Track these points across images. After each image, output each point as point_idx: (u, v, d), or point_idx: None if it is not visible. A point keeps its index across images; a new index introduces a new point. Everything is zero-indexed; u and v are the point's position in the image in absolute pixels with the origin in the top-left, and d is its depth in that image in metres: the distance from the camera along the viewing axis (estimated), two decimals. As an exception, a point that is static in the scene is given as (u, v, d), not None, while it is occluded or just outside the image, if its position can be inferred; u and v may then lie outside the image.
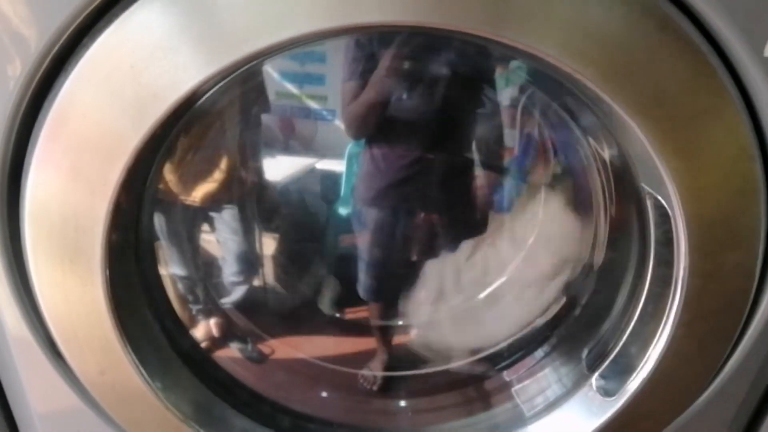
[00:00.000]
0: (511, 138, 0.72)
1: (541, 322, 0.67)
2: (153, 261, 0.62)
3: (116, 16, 0.43)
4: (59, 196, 0.46)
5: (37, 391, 0.58)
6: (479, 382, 0.68)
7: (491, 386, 0.67)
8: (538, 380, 0.63)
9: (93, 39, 0.44)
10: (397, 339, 0.85)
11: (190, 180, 0.67)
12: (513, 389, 0.64)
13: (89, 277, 0.48)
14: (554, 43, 0.42)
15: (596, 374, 0.56)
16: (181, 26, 0.42)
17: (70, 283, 0.48)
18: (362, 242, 0.83)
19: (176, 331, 0.62)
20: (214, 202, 0.70)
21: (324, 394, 0.73)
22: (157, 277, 0.62)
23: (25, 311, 0.53)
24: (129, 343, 0.51)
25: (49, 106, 0.45)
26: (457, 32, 0.44)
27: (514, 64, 0.67)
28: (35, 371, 0.56)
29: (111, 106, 0.44)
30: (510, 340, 0.68)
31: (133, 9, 0.43)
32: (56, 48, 0.45)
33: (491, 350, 0.69)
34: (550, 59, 0.43)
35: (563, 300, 0.67)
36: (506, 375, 0.66)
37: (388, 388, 0.79)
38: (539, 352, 0.66)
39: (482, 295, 0.73)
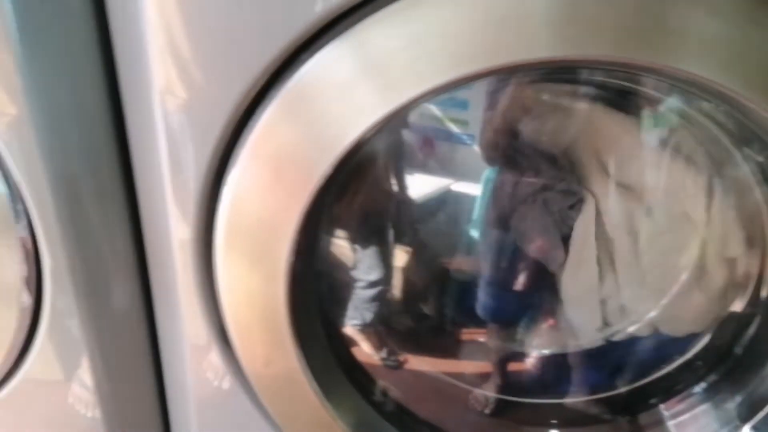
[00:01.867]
0: (655, 176, 0.72)
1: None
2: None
3: (317, 51, 0.47)
4: (259, 199, 0.50)
5: (198, 374, 0.62)
6: (633, 415, 0.67)
7: (646, 420, 0.66)
8: (696, 417, 0.61)
9: (293, 71, 0.48)
10: (515, 365, 0.85)
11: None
12: (669, 423, 0.63)
13: (273, 274, 0.51)
14: (717, 67, 0.42)
15: (750, 424, 0.55)
16: (363, 67, 0.46)
17: (255, 278, 0.52)
18: (486, 262, 0.84)
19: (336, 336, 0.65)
20: (361, 213, 0.73)
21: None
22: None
23: (204, 297, 0.57)
24: (298, 339, 0.54)
25: (257, 119, 0.49)
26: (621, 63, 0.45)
27: (665, 106, 0.67)
28: (201, 354, 0.60)
29: (306, 133, 0.48)
30: (665, 371, 0.67)
31: (329, 49, 0.47)
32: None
33: (645, 381, 0.68)
34: (714, 85, 0.43)
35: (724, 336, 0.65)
36: (663, 409, 0.65)
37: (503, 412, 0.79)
38: (697, 388, 0.65)
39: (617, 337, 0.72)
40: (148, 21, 0.47)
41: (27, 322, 0.64)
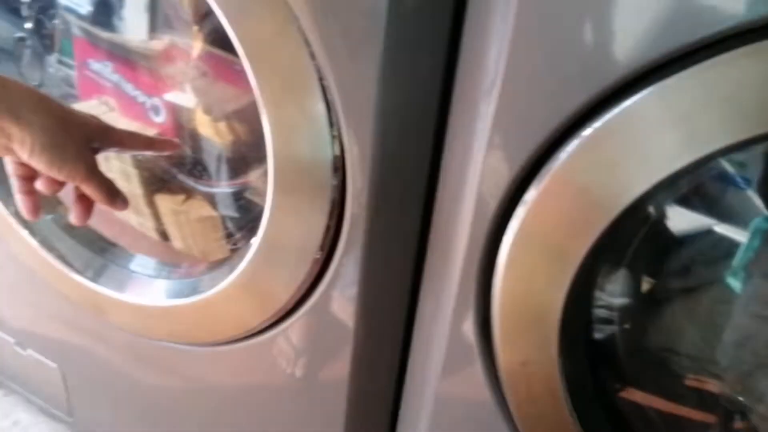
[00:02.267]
0: None
1: None
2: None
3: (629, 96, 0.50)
4: (555, 217, 0.55)
5: (448, 360, 0.68)
6: None
7: None
8: None
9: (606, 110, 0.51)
10: (741, 423, 0.81)
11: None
12: None
13: (559, 278, 0.55)
14: None
15: None
16: (670, 118, 0.48)
17: (538, 281, 0.57)
18: (739, 311, 0.81)
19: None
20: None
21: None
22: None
23: (477, 290, 0.62)
24: (562, 346, 0.57)
25: (566, 146, 0.53)
26: None
27: None
28: (456, 341, 0.66)
29: (608, 170, 0.52)
30: None
31: (639, 96, 0.49)
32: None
33: None
34: None
35: None
36: None
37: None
38: None
39: None
40: (499, 33, 0.52)
41: (310, 281, 0.73)
